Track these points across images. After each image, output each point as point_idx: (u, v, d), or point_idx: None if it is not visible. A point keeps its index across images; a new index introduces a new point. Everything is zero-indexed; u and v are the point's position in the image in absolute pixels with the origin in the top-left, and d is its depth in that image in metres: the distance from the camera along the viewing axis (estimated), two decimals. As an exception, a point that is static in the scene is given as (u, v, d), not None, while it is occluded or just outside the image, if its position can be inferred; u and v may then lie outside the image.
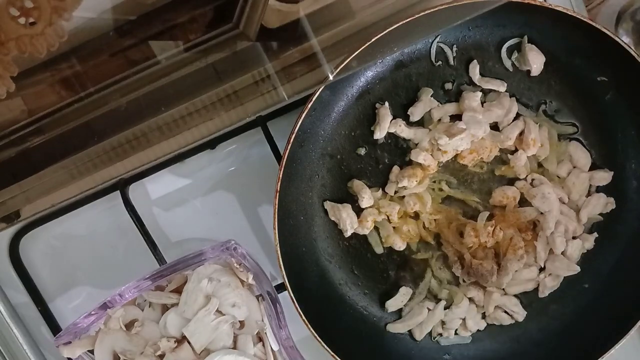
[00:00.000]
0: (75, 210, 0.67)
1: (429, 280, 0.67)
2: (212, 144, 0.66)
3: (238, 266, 0.57)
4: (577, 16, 0.58)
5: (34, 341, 0.69)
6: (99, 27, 0.52)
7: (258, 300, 0.59)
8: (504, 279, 0.64)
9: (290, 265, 0.61)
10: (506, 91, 0.64)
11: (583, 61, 0.62)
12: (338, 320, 0.66)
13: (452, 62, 0.63)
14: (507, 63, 0.63)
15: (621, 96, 0.63)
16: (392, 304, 0.66)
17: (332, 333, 0.63)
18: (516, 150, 0.64)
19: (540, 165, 0.65)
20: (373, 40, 0.56)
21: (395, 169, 0.64)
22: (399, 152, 0.65)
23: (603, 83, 0.63)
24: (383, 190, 0.65)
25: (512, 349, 0.68)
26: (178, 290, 0.57)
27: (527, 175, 0.65)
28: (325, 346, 0.61)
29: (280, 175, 0.59)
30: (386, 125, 0.63)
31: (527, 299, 0.67)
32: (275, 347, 0.58)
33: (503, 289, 0.66)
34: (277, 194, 0.59)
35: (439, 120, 0.64)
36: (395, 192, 0.65)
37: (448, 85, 0.64)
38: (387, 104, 0.63)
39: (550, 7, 0.58)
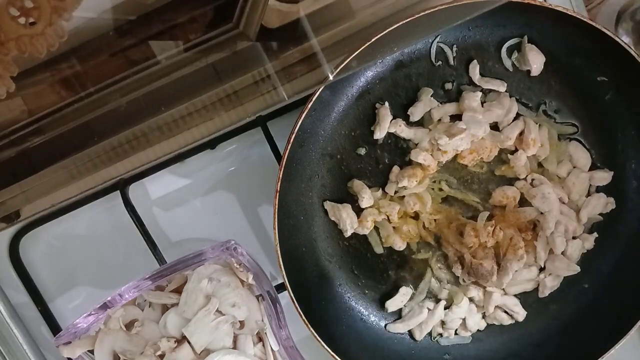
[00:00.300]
0: (75, 210, 0.67)
1: (429, 280, 0.67)
2: (212, 144, 0.66)
3: (238, 266, 0.57)
4: (577, 16, 0.58)
5: (34, 341, 0.69)
6: (99, 27, 0.52)
7: (258, 300, 0.59)
8: (504, 279, 0.64)
9: (290, 265, 0.61)
10: (506, 91, 0.64)
11: (583, 61, 0.62)
12: (338, 320, 0.66)
13: (452, 62, 0.63)
14: (507, 63, 0.63)
15: (621, 96, 0.63)
16: (392, 304, 0.66)
17: (332, 333, 0.63)
18: (516, 150, 0.64)
19: (540, 165, 0.65)
20: (373, 40, 0.56)
21: (395, 169, 0.64)
22: (399, 152, 0.65)
23: (603, 83, 0.63)
24: (383, 190, 0.65)
25: (512, 349, 0.68)
26: (178, 290, 0.57)
27: (527, 175, 0.65)
28: (325, 346, 0.61)
29: (280, 175, 0.59)
30: (386, 125, 0.63)
31: (527, 299, 0.67)
32: (275, 347, 0.58)
33: (503, 289, 0.66)
34: (277, 194, 0.59)
35: (439, 120, 0.64)
36: (395, 192, 0.65)
37: (448, 85, 0.64)
38: (387, 104, 0.63)
39: (550, 7, 0.58)
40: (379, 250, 0.66)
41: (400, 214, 0.65)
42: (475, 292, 0.66)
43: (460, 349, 0.68)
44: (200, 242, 0.68)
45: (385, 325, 0.67)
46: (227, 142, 0.66)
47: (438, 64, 0.63)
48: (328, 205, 0.64)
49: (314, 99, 0.58)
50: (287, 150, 0.59)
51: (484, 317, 0.67)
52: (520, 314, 0.67)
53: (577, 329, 0.66)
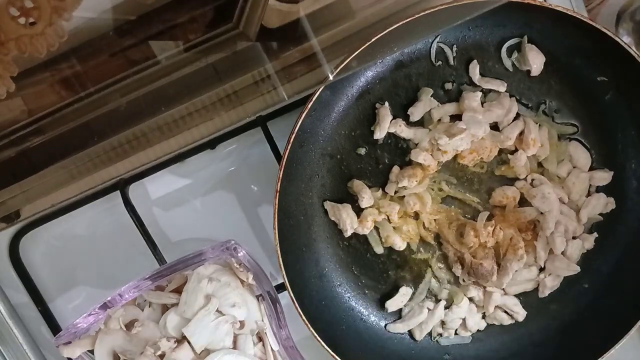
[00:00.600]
0: (75, 210, 0.67)
1: (429, 280, 0.67)
2: (212, 144, 0.66)
3: (238, 266, 0.57)
4: (577, 16, 0.58)
5: (34, 341, 0.69)
6: (99, 27, 0.52)
7: (258, 300, 0.59)
8: (504, 279, 0.64)
9: (290, 265, 0.61)
10: (506, 91, 0.64)
11: (583, 61, 0.62)
12: (338, 320, 0.66)
13: (452, 62, 0.63)
14: (507, 63, 0.63)
15: (621, 96, 0.63)
16: (392, 304, 0.66)
17: (332, 333, 0.63)
18: (516, 150, 0.64)
19: (540, 165, 0.65)
20: (373, 40, 0.56)
21: (395, 169, 0.64)
22: (399, 152, 0.65)
23: (603, 83, 0.63)
24: (383, 190, 0.65)
25: (512, 349, 0.68)
26: (178, 290, 0.57)
27: (527, 175, 0.65)
28: (325, 346, 0.61)
29: (280, 175, 0.59)
30: (386, 125, 0.63)
31: (527, 299, 0.67)
32: (275, 347, 0.58)
33: (503, 289, 0.66)
34: (277, 194, 0.59)
35: (439, 120, 0.64)
36: (395, 192, 0.65)
37: (448, 85, 0.64)
38: (387, 104, 0.63)
39: (550, 7, 0.58)
40: (379, 250, 0.66)
41: (400, 214, 0.65)
42: (475, 292, 0.66)
43: (460, 349, 0.68)
44: (200, 242, 0.68)
45: (385, 325, 0.67)
46: (227, 142, 0.66)
47: (438, 64, 0.63)
48: (328, 205, 0.64)
49: (314, 99, 0.58)
50: (287, 150, 0.59)
51: (484, 317, 0.67)
52: (520, 314, 0.67)
53: (577, 329, 0.66)
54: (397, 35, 0.56)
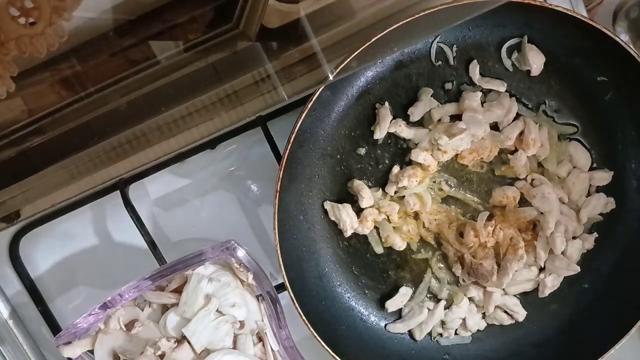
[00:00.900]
0: (75, 210, 0.67)
1: (429, 280, 0.67)
2: (212, 144, 0.66)
3: (238, 266, 0.57)
4: (577, 16, 0.58)
5: (34, 341, 0.69)
6: (99, 27, 0.52)
7: (258, 300, 0.59)
8: (504, 279, 0.64)
9: (290, 265, 0.61)
10: (506, 91, 0.64)
11: (583, 61, 0.62)
12: (338, 320, 0.66)
13: (452, 62, 0.63)
14: (507, 63, 0.63)
15: (621, 96, 0.63)
16: (392, 304, 0.66)
17: (332, 333, 0.63)
18: (516, 150, 0.64)
19: (540, 165, 0.65)
20: (373, 40, 0.56)
21: (395, 169, 0.64)
22: (399, 152, 0.65)
23: (603, 83, 0.63)
24: (383, 190, 0.65)
25: (512, 349, 0.68)
26: (178, 290, 0.57)
27: (527, 175, 0.65)
28: (325, 346, 0.61)
29: (280, 175, 0.59)
30: (386, 125, 0.63)
31: (527, 299, 0.67)
32: (275, 347, 0.58)
33: (503, 289, 0.66)
34: (277, 194, 0.59)
35: (439, 120, 0.64)
36: (395, 192, 0.65)
37: (448, 85, 0.64)
38: (387, 104, 0.63)
39: (550, 7, 0.58)
40: (379, 250, 0.66)
41: (400, 214, 0.65)
42: (475, 292, 0.66)
43: (460, 349, 0.68)
44: (200, 242, 0.68)
45: (385, 325, 0.67)
46: (227, 142, 0.66)
47: (438, 64, 0.63)
48: (328, 205, 0.64)
49: (314, 99, 0.58)
50: (287, 150, 0.59)
51: (484, 317, 0.67)
52: (520, 314, 0.67)
53: (577, 329, 0.66)
54: (397, 35, 0.56)
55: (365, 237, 0.66)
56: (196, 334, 0.55)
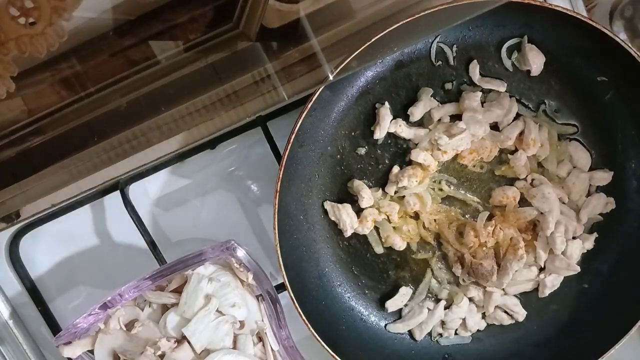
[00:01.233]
0: (75, 210, 0.67)
1: (429, 280, 0.67)
2: (212, 144, 0.66)
3: (238, 266, 0.57)
4: (577, 16, 0.58)
5: (34, 341, 0.69)
6: (99, 27, 0.52)
7: (258, 300, 0.59)
8: (504, 279, 0.64)
9: (290, 265, 0.61)
10: (506, 91, 0.64)
11: (583, 61, 0.62)
12: (338, 320, 0.66)
13: (452, 62, 0.63)
14: (507, 63, 0.63)
15: (621, 96, 0.63)
16: (392, 304, 0.66)
17: (332, 333, 0.63)
18: (516, 150, 0.64)
19: (540, 165, 0.65)
20: (373, 40, 0.56)
21: (395, 169, 0.64)
22: (399, 152, 0.65)
23: (603, 83, 0.63)
24: (383, 190, 0.65)
25: (512, 349, 0.68)
26: (178, 290, 0.57)
27: (527, 175, 0.65)
28: (325, 346, 0.61)
29: (280, 175, 0.59)
30: (386, 125, 0.63)
31: (527, 299, 0.67)
32: (275, 347, 0.58)
33: (503, 289, 0.66)
34: (277, 194, 0.59)
35: (439, 120, 0.64)
36: (395, 192, 0.65)
37: (448, 85, 0.64)
38: (387, 104, 0.63)
39: (550, 7, 0.58)
40: (379, 250, 0.66)
41: (400, 214, 0.65)
42: (475, 292, 0.66)
43: (460, 349, 0.68)
44: (200, 242, 0.68)
45: (385, 325, 0.67)
46: (227, 142, 0.66)
47: (438, 64, 0.63)
48: (328, 205, 0.64)
49: (314, 99, 0.58)
50: (287, 150, 0.59)
51: (484, 317, 0.67)
52: (520, 314, 0.67)
53: (577, 329, 0.66)
54: (397, 35, 0.56)
55: (365, 237, 0.66)
56: (196, 334, 0.55)
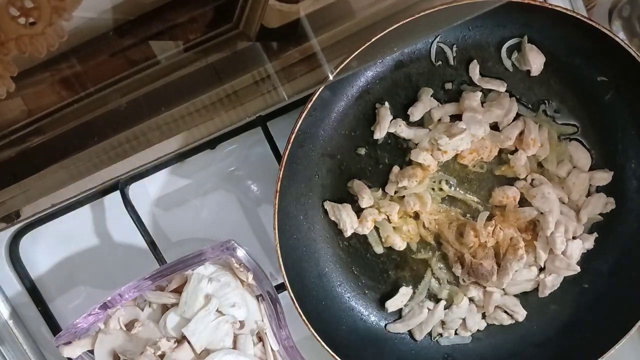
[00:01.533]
0: (75, 210, 0.67)
1: (429, 280, 0.67)
2: (212, 144, 0.66)
3: (238, 266, 0.57)
4: (577, 16, 0.58)
5: (34, 341, 0.69)
6: (99, 27, 0.52)
7: (258, 300, 0.59)
8: (504, 279, 0.64)
9: (290, 265, 0.61)
10: (506, 91, 0.64)
11: (583, 61, 0.62)
12: (338, 320, 0.66)
13: (452, 62, 0.63)
14: (507, 63, 0.63)
15: (621, 96, 0.63)
16: (392, 304, 0.66)
17: (332, 333, 0.63)
18: (516, 150, 0.64)
19: (540, 165, 0.65)
20: (373, 40, 0.56)
21: (395, 169, 0.64)
22: (399, 152, 0.65)
23: (603, 83, 0.63)
24: (383, 190, 0.65)
25: (512, 349, 0.68)
26: (178, 290, 0.57)
27: (527, 175, 0.65)
28: (325, 346, 0.61)
29: (280, 175, 0.59)
30: (386, 125, 0.63)
31: (527, 299, 0.67)
32: (275, 347, 0.58)
33: (503, 289, 0.66)
34: (277, 194, 0.59)
35: (439, 120, 0.64)
36: (395, 192, 0.65)
37: (448, 85, 0.64)
38: (387, 104, 0.63)
39: (550, 7, 0.58)
40: (379, 250, 0.66)
41: (400, 214, 0.65)
42: (475, 292, 0.66)
43: (460, 349, 0.68)
44: (200, 242, 0.68)
45: (385, 325, 0.67)
46: (227, 142, 0.66)
47: (438, 64, 0.63)
48: (328, 205, 0.64)
49: (314, 99, 0.58)
50: (287, 150, 0.59)
51: (484, 317, 0.67)
52: (520, 314, 0.67)
53: (577, 329, 0.66)
54: (397, 35, 0.56)
55: (365, 237, 0.66)
56: (196, 334, 0.55)
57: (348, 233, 0.64)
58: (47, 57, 0.51)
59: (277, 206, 0.59)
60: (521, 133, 0.64)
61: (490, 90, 0.64)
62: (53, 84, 0.54)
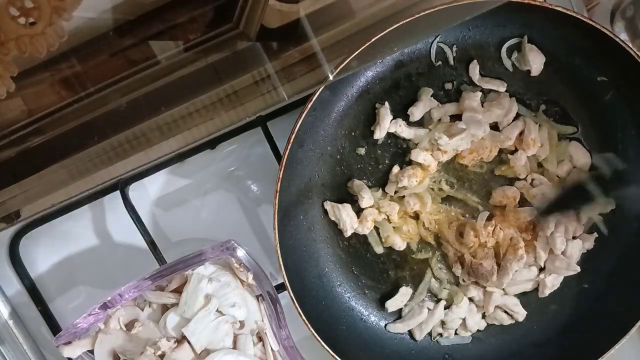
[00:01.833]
0: (75, 210, 0.67)
1: (429, 280, 0.67)
2: (212, 144, 0.66)
3: (238, 266, 0.57)
4: (577, 16, 0.58)
5: (34, 341, 0.69)
6: (99, 27, 0.52)
7: (258, 300, 0.59)
8: (504, 279, 0.64)
9: (290, 265, 0.61)
10: (506, 91, 0.64)
11: (583, 61, 0.62)
12: (338, 320, 0.66)
13: (452, 62, 0.63)
14: (507, 63, 0.63)
15: (621, 96, 0.63)
16: (392, 304, 0.66)
17: (332, 333, 0.63)
18: (516, 150, 0.64)
19: (540, 165, 0.65)
20: (373, 40, 0.56)
21: (395, 169, 0.64)
22: (399, 152, 0.65)
23: (603, 83, 0.63)
24: (383, 190, 0.65)
25: (512, 349, 0.68)
26: (178, 290, 0.57)
27: (527, 175, 0.65)
28: (325, 346, 0.61)
29: (280, 175, 0.59)
30: (386, 125, 0.63)
31: (527, 299, 0.67)
32: (275, 347, 0.58)
33: (503, 289, 0.66)
34: (277, 194, 0.59)
35: (439, 120, 0.64)
36: (395, 192, 0.65)
37: (448, 85, 0.64)
38: (387, 104, 0.63)
39: (550, 7, 0.58)
40: (379, 250, 0.66)
41: (400, 214, 0.65)
42: (475, 292, 0.66)
43: (460, 349, 0.68)
44: (200, 242, 0.68)
45: (385, 325, 0.67)
46: (227, 142, 0.66)
47: (438, 64, 0.63)
48: (328, 205, 0.64)
49: (314, 99, 0.58)
50: (287, 150, 0.59)
51: (484, 317, 0.67)
52: (520, 314, 0.67)
53: (577, 329, 0.66)
54: (397, 35, 0.56)
55: (365, 237, 0.66)
56: (196, 334, 0.55)
57: (348, 233, 0.64)
58: (47, 57, 0.51)
59: (277, 206, 0.59)
60: (521, 133, 0.64)
61: (490, 90, 0.64)
62: (53, 84, 0.54)
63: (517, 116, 0.64)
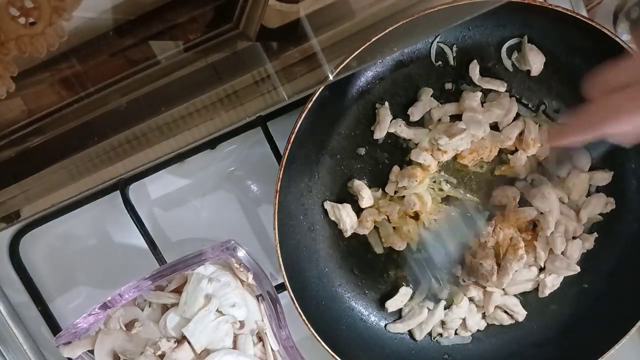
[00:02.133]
0: (75, 210, 0.67)
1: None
2: (212, 144, 0.66)
3: (238, 266, 0.57)
4: (577, 16, 0.58)
5: (34, 341, 0.69)
6: (99, 27, 0.52)
7: (258, 300, 0.59)
8: (504, 279, 0.64)
9: (290, 265, 0.61)
10: (506, 91, 0.64)
11: (583, 61, 0.62)
12: (338, 320, 0.66)
13: (452, 62, 0.63)
14: (507, 63, 0.63)
15: (621, 96, 0.62)
16: (392, 304, 0.66)
17: (332, 333, 0.63)
18: (516, 150, 0.64)
19: (540, 165, 0.65)
20: (373, 40, 0.56)
21: (395, 169, 0.64)
22: (399, 152, 0.65)
23: (603, 83, 0.62)
24: (383, 190, 0.65)
25: (512, 349, 0.68)
26: (178, 290, 0.57)
27: (527, 175, 0.65)
28: (325, 346, 0.61)
29: (280, 175, 0.59)
30: (386, 125, 0.63)
31: (527, 299, 0.67)
32: (275, 347, 0.58)
33: (503, 289, 0.66)
34: (277, 194, 0.59)
35: (439, 120, 0.64)
36: (395, 192, 0.65)
37: (448, 85, 0.64)
38: (387, 104, 0.63)
39: (550, 7, 0.58)
40: (379, 250, 0.66)
41: (400, 214, 0.65)
42: (475, 292, 0.66)
43: (460, 349, 0.68)
44: (200, 242, 0.68)
45: (385, 325, 0.67)
46: (227, 142, 0.66)
47: (438, 64, 0.63)
48: (328, 205, 0.64)
49: (314, 99, 0.58)
50: (287, 150, 0.59)
51: (484, 317, 0.67)
52: (520, 314, 0.67)
53: (577, 329, 0.66)
54: (397, 35, 0.56)
55: (365, 237, 0.66)
56: (196, 334, 0.55)
57: (348, 233, 0.64)
58: (47, 57, 0.51)
59: (277, 206, 0.59)
60: (521, 133, 0.64)
61: (490, 90, 0.64)
62: (53, 84, 0.54)
63: (517, 116, 0.64)
